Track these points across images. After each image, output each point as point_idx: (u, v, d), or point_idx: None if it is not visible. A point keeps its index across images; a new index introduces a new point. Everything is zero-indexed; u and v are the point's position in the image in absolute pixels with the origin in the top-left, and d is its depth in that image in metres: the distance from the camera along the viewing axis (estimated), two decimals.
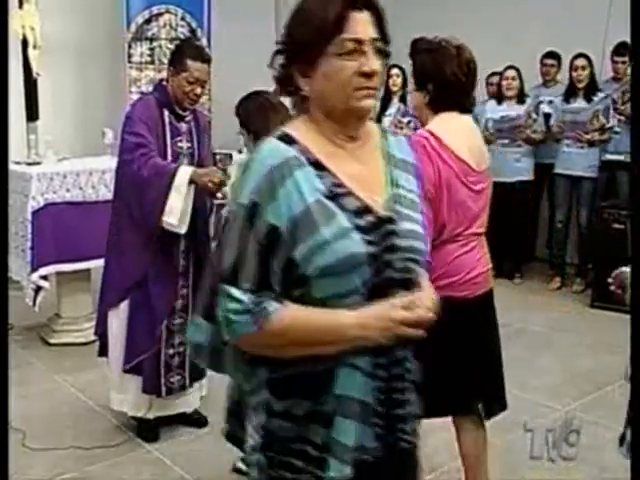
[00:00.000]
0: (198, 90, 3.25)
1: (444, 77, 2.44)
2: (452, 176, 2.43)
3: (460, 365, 2.50)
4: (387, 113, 6.50)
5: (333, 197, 1.41)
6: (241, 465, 3.11)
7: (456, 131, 2.48)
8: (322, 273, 1.38)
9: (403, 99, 6.46)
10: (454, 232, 2.46)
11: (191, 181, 3.15)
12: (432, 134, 2.44)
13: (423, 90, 2.51)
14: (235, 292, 1.40)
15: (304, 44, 1.44)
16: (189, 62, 3.19)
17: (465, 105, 2.55)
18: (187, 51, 3.29)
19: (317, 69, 1.44)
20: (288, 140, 1.46)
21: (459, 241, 2.47)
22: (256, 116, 2.91)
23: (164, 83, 3.36)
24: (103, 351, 3.54)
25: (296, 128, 1.50)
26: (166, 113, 3.27)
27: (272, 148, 1.45)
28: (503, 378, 2.67)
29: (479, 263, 2.54)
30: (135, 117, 3.20)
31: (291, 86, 1.51)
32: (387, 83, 6.51)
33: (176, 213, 3.14)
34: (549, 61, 6.31)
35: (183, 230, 3.19)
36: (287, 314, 1.41)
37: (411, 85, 2.59)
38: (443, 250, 2.43)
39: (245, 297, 1.40)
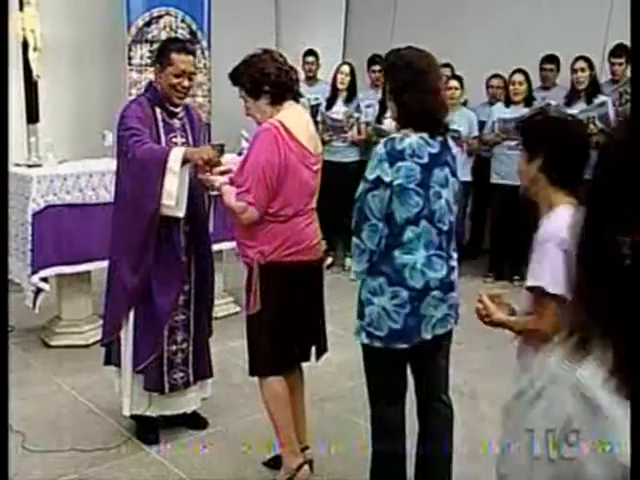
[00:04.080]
0: (186, 82, 3.29)
1: (270, 76, 2.91)
2: (297, 162, 2.89)
3: (303, 316, 3.02)
4: (387, 115, 6.49)
5: None
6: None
7: (298, 121, 2.96)
8: None
9: None
10: (299, 207, 2.95)
11: (184, 161, 3.16)
12: (282, 124, 2.87)
13: (262, 96, 2.93)
14: None
15: None
16: (174, 55, 3.25)
17: (296, 90, 3.04)
18: (171, 46, 3.35)
19: None
20: None
21: (303, 215, 2.97)
22: None
23: (154, 83, 3.39)
24: (109, 359, 3.53)
25: None
26: (158, 111, 3.31)
27: None
28: (325, 327, 3.19)
29: (316, 234, 3.05)
30: (127, 115, 3.24)
31: None
32: (385, 87, 6.49)
33: (173, 194, 3.15)
34: (548, 66, 6.29)
35: (181, 214, 3.20)
36: None
37: (250, 102, 2.98)
38: (292, 222, 2.92)
39: None
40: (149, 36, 6.29)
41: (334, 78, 6.59)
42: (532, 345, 2.16)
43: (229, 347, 4.38)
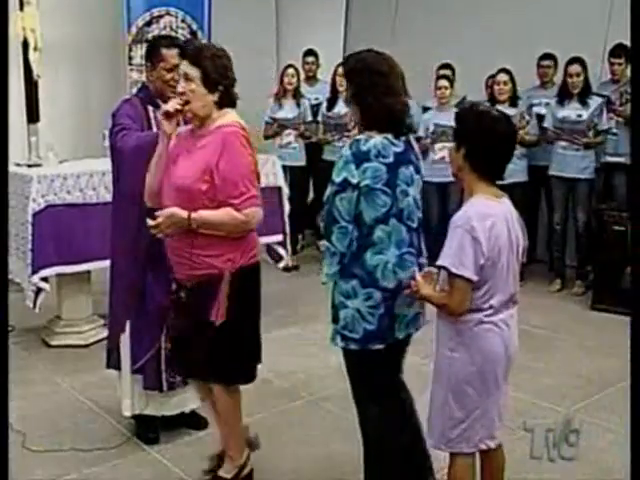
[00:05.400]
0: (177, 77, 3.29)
1: (230, 77, 2.83)
2: (255, 161, 2.89)
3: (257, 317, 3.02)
4: None
5: None
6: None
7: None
8: None
9: None
10: None
11: None
12: (241, 125, 2.84)
13: (215, 92, 2.79)
14: None
15: None
16: (164, 51, 3.26)
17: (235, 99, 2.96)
18: (160, 42, 3.38)
19: None
20: None
21: None
22: None
23: (146, 83, 3.42)
24: (110, 363, 3.53)
25: None
26: (151, 109, 3.32)
27: None
28: None
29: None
30: (118, 114, 3.26)
31: None
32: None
33: None
34: (546, 62, 6.28)
35: None
36: None
37: (197, 87, 2.78)
38: None
39: None
40: (149, 36, 6.28)
41: (333, 79, 6.60)
42: (442, 318, 2.45)
43: None
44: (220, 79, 2.80)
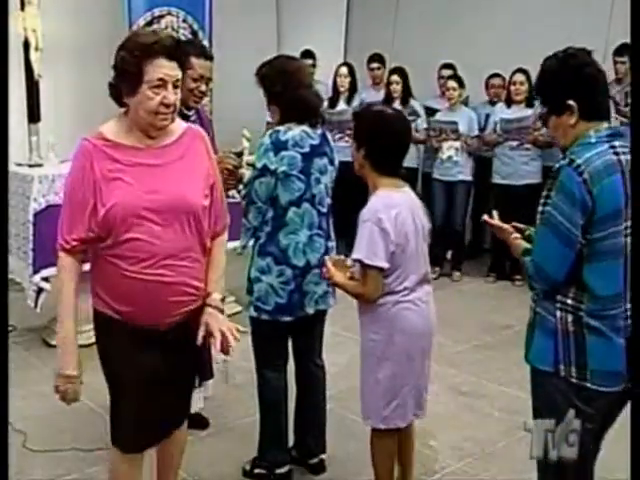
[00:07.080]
0: (203, 87, 3.28)
1: None
2: None
3: None
4: None
5: None
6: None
7: None
8: None
9: (404, 101, 6.44)
10: None
11: None
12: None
13: None
14: None
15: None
16: (193, 60, 3.22)
17: None
18: (190, 49, 3.31)
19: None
20: None
21: None
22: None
23: None
24: None
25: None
26: None
27: None
28: None
29: None
30: None
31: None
32: (388, 87, 6.48)
33: None
34: None
35: None
36: None
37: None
38: None
39: None
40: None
41: (334, 80, 6.60)
42: (361, 304, 2.63)
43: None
44: None
